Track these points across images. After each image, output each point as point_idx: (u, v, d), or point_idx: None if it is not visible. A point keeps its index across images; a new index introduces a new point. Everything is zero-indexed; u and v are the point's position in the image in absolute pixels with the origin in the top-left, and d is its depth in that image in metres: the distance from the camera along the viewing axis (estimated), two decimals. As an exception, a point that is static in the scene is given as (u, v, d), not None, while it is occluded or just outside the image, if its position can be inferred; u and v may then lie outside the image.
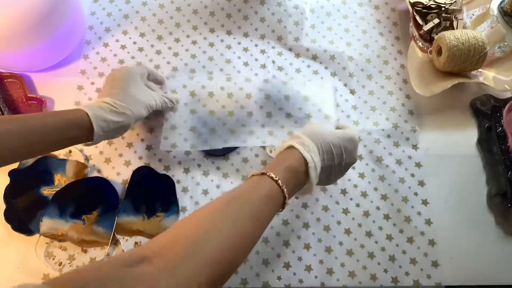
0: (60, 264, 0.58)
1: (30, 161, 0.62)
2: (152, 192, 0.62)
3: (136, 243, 0.59)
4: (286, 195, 0.46)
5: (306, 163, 0.48)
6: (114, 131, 0.54)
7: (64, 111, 0.51)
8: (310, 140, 0.50)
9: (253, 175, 0.47)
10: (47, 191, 0.60)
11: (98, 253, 0.59)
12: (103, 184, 0.61)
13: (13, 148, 0.46)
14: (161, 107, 0.61)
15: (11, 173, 0.60)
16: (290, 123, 0.67)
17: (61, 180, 0.61)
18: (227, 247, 0.38)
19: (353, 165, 0.66)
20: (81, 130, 0.50)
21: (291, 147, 0.50)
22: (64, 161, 0.62)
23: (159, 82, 0.65)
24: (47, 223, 0.57)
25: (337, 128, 0.58)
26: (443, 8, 0.74)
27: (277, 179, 0.45)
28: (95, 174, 0.63)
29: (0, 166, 0.47)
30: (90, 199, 0.60)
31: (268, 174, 0.46)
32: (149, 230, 0.60)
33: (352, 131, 0.55)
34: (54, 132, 0.48)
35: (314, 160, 0.49)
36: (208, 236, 0.38)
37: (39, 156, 0.61)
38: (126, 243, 0.58)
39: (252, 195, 0.44)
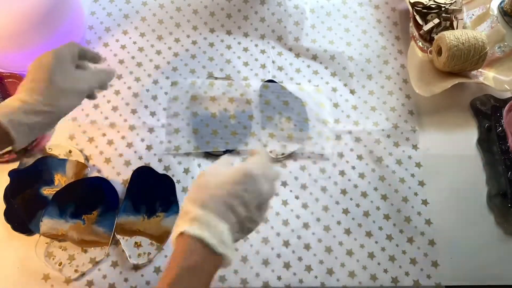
0: (60, 264, 0.58)
1: (30, 160, 0.62)
2: (152, 192, 0.62)
3: (136, 243, 0.59)
4: None
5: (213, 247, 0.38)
6: (41, 129, 0.48)
7: None
8: (202, 210, 0.39)
9: None
10: (47, 191, 0.60)
11: (98, 253, 0.59)
12: (103, 184, 0.61)
13: None
14: (99, 87, 0.53)
15: (11, 173, 0.60)
16: (290, 126, 0.68)
17: (61, 180, 0.61)
18: None
19: (353, 166, 0.66)
20: (1, 139, 0.44)
21: (181, 235, 0.38)
22: (64, 161, 0.62)
23: (94, 59, 0.55)
24: (47, 223, 0.57)
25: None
26: (443, 8, 0.74)
27: None
28: (95, 174, 0.63)
29: None
30: (90, 199, 0.60)
31: None
32: (149, 230, 0.60)
33: (246, 165, 0.43)
34: None
35: (218, 232, 0.38)
36: None
37: (40, 156, 0.61)
38: (126, 243, 0.58)
39: None
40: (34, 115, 0.45)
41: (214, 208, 0.40)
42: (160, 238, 0.59)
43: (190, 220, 0.39)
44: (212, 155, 0.66)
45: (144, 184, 0.62)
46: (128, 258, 0.57)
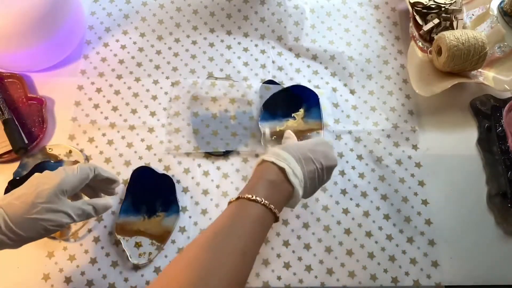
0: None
1: (30, 160, 0.62)
2: (152, 192, 0.62)
3: (136, 243, 0.59)
4: (276, 211, 0.44)
5: (285, 172, 0.46)
6: None
7: None
8: (283, 151, 0.48)
9: (234, 200, 0.45)
10: None
11: (98, 253, 0.59)
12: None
13: None
14: (78, 221, 0.47)
15: (11, 183, 0.60)
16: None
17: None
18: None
19: (353, 166, 0.66)
20: None
21: (263, 162, 0.48)
22: (60, 163, 0.62)
23: (109, 182, 0.52)
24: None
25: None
26: (443, 8, 0.74)
27: (260, 200, 0.43)
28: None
29: None
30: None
31: (251, 197, 0.43)
32: (149, 230, 0.60)
33: (321, 137, 0.54)
34: None
35: (292, 167, 0.47)
36: (200, 282, 0.36)
37: (38, 162, 0.61)
38: (127, 243, 0.58)
39: (238, 226, 0.42)
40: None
41: (293, 153, 0.49)
42: (161, 238, 0.59)
43: (271, 154, 0.48)
44: (212, 155, 0.66)
45: (144, 184, 0.62)
46: (129, 258, 0.57)
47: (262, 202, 0.43)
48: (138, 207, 0.61)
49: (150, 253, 0.59)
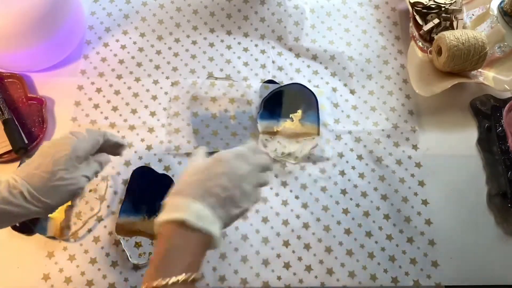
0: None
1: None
2: (152, 192, 0.62)
3: (136, 243, 0.59)
4: (196, 275, 0.39)
5: (186, 224, 0.39)
6: (14, 219, 0.46)
7: None
8: (175, 198, 0.42)
9: None
10: None
11: (98, 253, 0.59)
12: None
13: None
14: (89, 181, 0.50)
15: None
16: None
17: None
18: None
19: (353, 166, 0.66)
20: None
21: (161, 225, 0.40)
22: None
23: (116, 147, 0.54)
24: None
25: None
26: (443, 8, 0.74)
27: (180, 279, 0.37)
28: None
29: None
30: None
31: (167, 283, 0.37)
32: (149, 230, 0.60)
33: (219, 152, 0.46)
34: None
35: (194, 212, 0.40)
36: None
37: None
38: (127, 243, 0.58)
39: None
40: (17, 207, 0.43)
41: (188, 193, 0.41)
42: None
43: (165, 209, 0.42)
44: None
45: (144, 184, 0.62)
46: (129, 258, 0.57)
47: (183, 279, 0.37)
48: (138, 207, 0.61)
49: (150, 253, 0.59)
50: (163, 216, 0.41)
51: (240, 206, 0.44)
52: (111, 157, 0.53)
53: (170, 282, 0.37)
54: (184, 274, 0.38)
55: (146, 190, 0.62)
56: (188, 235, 0.40)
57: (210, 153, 0.64)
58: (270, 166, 0.48)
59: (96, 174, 0.50)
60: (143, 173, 0.62)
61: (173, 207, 0.41)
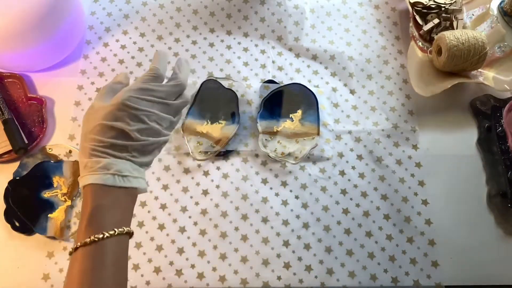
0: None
1: (30, 160, 0.62)
2: (217, 102, 0.68)
3: (198, 142, 0.65)
4: (129, 229, 0.39)
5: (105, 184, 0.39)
6: None
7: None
8: (87, 158, 0.40)
9: (80, 246, 0.37)
10: (48, 194, 0.60)
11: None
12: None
13: None
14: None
15: (10, 183, 0.60)
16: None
17: (59, 182, 0.61)
18: None
19: (353, 166, 0.66)
20: None
21: (89, 185, 0.39)
22: (60, 163, 0.62)
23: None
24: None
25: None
26: (443, 8, 0.74)
27: (113, 233, 0.37)
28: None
29: None
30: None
31: (102, 237, 0.37)
32: (211, 133, 0.65)
33: (120, 94, 0.42)
34: None
35: (118, 170, 0.39)
36: None
37: (38, 162, 0.62)
38: (189, 142, 0.65)
39: (103, 277, 0.36)
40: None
41: (98, 153, 0.40)
42: (219, 141, 0.65)
43: (85, 171, 0.40)
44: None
45: (211, 94, 0.68)
46: (191, 154, 0.64)
47: (114, 234, 0.37)
48: (203, 114, 0.67)
49: (208, 153, 0.64)
50: (82, 180, 0.40)
51: (160, 147, 0.44)
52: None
53: (105, 236, 0.37)
54: (116, 229, 0.38)
55: (212, 100, 0.68)
56: (111, 193, 0.39)
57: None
58: (182, 88, 0.46)
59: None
60: (211, 85, 0.69)
61: (88, 168, 0.39)
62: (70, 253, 0.38)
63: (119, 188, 0.40)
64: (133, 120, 0.41)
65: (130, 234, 0.40)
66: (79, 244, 0.37)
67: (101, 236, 0.37)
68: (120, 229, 0.38)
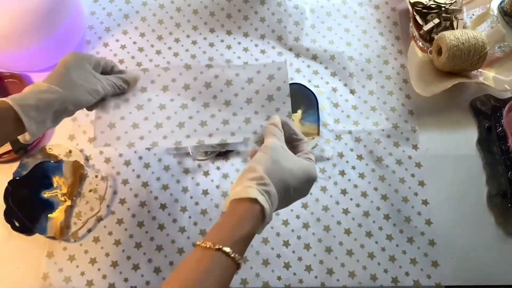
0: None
1: (30, 161, 0.62)
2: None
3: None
4: (241, 263, 0.39)
5: (263, 218, 0.41)
6: (52, 117, 0.48)
7: None
8: (273, 186, 0.42)
9: (203, 246, 0.38)
10: (48, 194, 0.60)
11: (98, 253, 0.59)
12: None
13: None
14: (112, 92, 0.54)
15: (10, 182, 0.60)
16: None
17: (59, 182, 0.61)
18: None
19: (353, 166, 0.66)
20: (13, 125, 0.45)
21: (254, 201, 0.41)
22: (60, 163, 0.62)
23: (113, 71, 0.57)
24: None
25: (289, 139, 0.50)
26: (443, 8, 0.74)
27: (234, 256, 0.38)
28: (93, 173, 0.63)
29: None
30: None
31: (223, 249, 0.38)
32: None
33: (312, 167, 0.47)
34: None
35: (272, 204, 0.42)
36: None
37: (38, 162, 0.61)
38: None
39: (206, 281, 0.37)
40: (41, 94, 0.47)
41: (279, 191, 0.43)
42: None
43: (263, 187, 0.42)
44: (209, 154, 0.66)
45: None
46: (191, 154, 0.63)
47: (235, 258, 0.38)
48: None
49: (206, 152, 0.64)
50: (255, 193, 0.41)
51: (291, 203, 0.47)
52: (139, 73, 0.57)
53: (236, 258, 0.38)
54: (235, 254, 0.38)
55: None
56: (260, 224, 0.41)
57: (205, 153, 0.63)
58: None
59: (119, 89, 0.54)
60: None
61: (266, 192, 0.41)
62: (207, 247, 0.38)
63: (262, 223, 0.42)
64: (301, 189, 0.47)
65: (238, 267, 0.40)
66: (221, 246, 0.38)
67: (232, 253, 0.38)
68: (241, 261, 0.39)
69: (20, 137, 0.47)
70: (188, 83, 0.57)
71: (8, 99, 0.45)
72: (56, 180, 0.61)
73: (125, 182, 0.63)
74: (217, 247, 0.38)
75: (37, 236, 0.59)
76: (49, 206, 0.60)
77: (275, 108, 0.56)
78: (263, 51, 0.74)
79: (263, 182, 0.42)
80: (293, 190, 0.44)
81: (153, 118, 0.55)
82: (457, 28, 0.74)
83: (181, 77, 0.58)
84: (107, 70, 0.56)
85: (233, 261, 0.38)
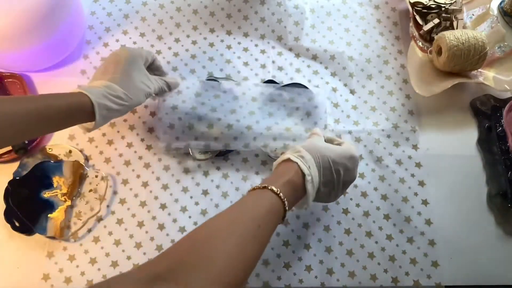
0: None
1: (30, 160, 0.62)
2: (217, 103, 0.66)
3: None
4: (287, 208, 0.46)
5: (304, 176, 0.48)
6: (113, 117, 0.55)
7: (67, 94, 0.50)
8: (309, 154, 0.50)
9: (254, 189, 0.47)
10: (48, 194, 0.60)
11: (98, 253, 0.59)
12: None
13: (17, 129, 0.46)
14: (158, 93, 0.61)
15: (10, 183, 0.60)
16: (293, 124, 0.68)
17: (59, 182, 0.61)
18: (236, 265, 0.39)
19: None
20: (83, 115, 0.51)
21: (289, 160, 0.50)
22: (60, 163, 0.62)
23: (161, 73, 0.64)
24: None
25: (329, 140, 0.58)
26: (443, 8, 0.74)
27: (278, 193, 0.46)
28: (93, 173, 0.63)
29: (2, 146, 0.47)
30: None
31: (269, 187, 0.46)
32: (211, 133, 0.64)
33: (351, 148, 0.54)
34: (58, 116, 0.49)
35: (312, 174, 0.49)
36: (217, 255, 0.38)
37: (38, 162, 0.61)
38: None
39: (255, 211, 0.44)
40: (117, 104, 0.52)
41: (316, 158, 0.50)
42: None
43: (299, 156, 0.50)
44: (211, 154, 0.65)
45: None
46: (191, 154, 0.64)
47: (280, 196, 0.46)
48: (203, 113, 0.66)
49: (208, 153, 0.64)
50: (295, 157, 0.49)
51: (334, 199, 0.54)
52: (179, 80, 0.65)
53: (272, 189, 0.46)
54: (280, 192, 0.46)
55: (211, 100, 0.67)
56: (300, 182, 0.48)
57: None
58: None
59: (162, 91, 0.61)
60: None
61: (304, 159, 0.49)
62: (255, 188, 0.47)
63: (303, 188, 0.49)
64: (349, 169, 0.54)
65: (284, 215, 0.47)
66: (255, 187, 0.47)
67: (276, 189, 0.46)
68: (286, 201, 0.46)
69: (81, 125, 0.53)
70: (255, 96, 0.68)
71: (88, 94, 0.50)
72: (56, 180, 0.61)
73: (125, 182, 0.63)
74: (264, 185, 0.46)
75: (37, 236, 0.59)
76: (49, 206, 0.60)
77: (313, 122, 0.68)
78: (263, 51, 0.74)
79: (297, 150, 0.51)
80: (332, 162, 0.50)
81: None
82: (457, 28, 0.74)
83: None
84: (149, 64, 0.60)
85: (279, 199, 0.45)
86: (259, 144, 0.64)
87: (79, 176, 0.62)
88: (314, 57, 0.74)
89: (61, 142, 0.64)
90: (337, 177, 0.51)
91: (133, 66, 0.55)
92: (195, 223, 0.62)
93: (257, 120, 0.66)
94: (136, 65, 0.56)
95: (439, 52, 0.69)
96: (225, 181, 0.64)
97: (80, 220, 0.60)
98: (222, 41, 0.74)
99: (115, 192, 0.63)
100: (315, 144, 0.52)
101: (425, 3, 0.74)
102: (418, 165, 0.68)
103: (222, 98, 0.67)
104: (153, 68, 0.62)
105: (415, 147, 0.69)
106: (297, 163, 0.49)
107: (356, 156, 0.54)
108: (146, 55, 0.58)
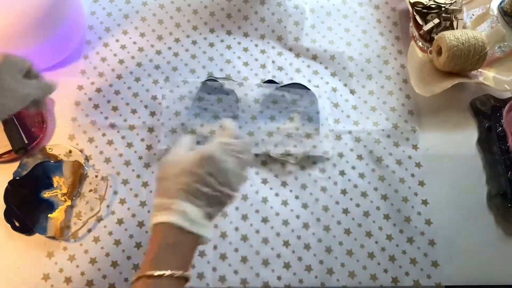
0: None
1: (30, 160, 0.62)
2: (217, 103, 0.67)
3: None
4: (187, 274, 0.41)
5: (181, 227, 0.41)
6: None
7: None
8: (167, 199, 0.42)
9: (140, 278, 0.41)
10: (48, 194, 0.60)
11: (98, 253, 0.59)
12: None
13: None
14: (42, 96, 0.56)
15: (10, 183, 0.60)
16: (292, 124, 0.68)
17: (60, 182, 0.61)
18: None
19: (353, 166, 0.66)
20: None
21: (155, 226, 0.42)
22: (60, 163, 0.62)
23: (34, 75, 0.58)
24: None
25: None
26: (443, 8, 0.74)
27: (171, 274, 0.39)
28: (93, 173, 0.63)
29: None
30: None
31: (161, 274, 0.39)
32: (210, 133, 0.64)
33: (207, 149, 0.44)
34: None
35: (188, 214, 0.41)
36: None
37: (38, 162, 0.61)
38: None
39: None
40: None
41: (179, 196, 0.42)
42: None
43: (161, 210, 0.42)
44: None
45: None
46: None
47: (175, 275, 0.40)
48: (203, 113, 0.66)
49: None
50: (157, 218, 0.42)
51: (229, 196, 0.45)
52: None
53: (166, 274, 0.39)
54: (177, 272, 0.40)
55: (211, 99, 0.67)
56: (183, 236, 0.42)
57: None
58: (250, 151, 0.50)
59: (45, 95, 0.56)
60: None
61: (165, 209, 0.42)
62: (133, 282, 0.41)
63: (187, 233, 0.41)
64: (216, 170, 0.43)
65: (187, 280, 0.41)
66: (142, 275, 0.40)
67: (163, 273, 0.39)
68: (181, 273, 0.40)
69: None
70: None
71: None
72: (56, 180, 0.61)
73: (125, 182, 0.63)
74: (147, 273, 0.40)
75: (37, 236, 0.59)
76: (49, 206, 0.60)
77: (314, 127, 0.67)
78: (263, 51, 0.74)
79: (160, 206, 0.43)
80: (196, 180, 0.43)
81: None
82: (457, 28, 0.74)
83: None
84: (26, 72, 0.55)
85: (172, 278, 0.40)
86: (260, 150, 0.64)
87: (79, 176, 0.62)
88: (314, 57, 0.74)
89: (61, 142, 0.64)
90: (211, 189, 0.43)
91: (5, 70, 0.51)
92: (195, 223, 0.61)
93: (259, 127, 0.66)
94: (8, 70, 0.52)
95: (439, 52, 0.69)
96: (225, 181, 0.64)
97: (80, 220, 0.60)
98: (222, 41, 0.74)
99: (115, 192, 0.63)
100: (164, 179, 0.44)
101: (425, 3, 0.74)
102: (418, 165, 0.68)
103: (225, 102, 0.67)
104: (31, 76, 0.57)
105: (415, 147, 0.69)
106: (171, 223, 0.41)
107: (211, 155, 0.43)
108: (21, 61, 0.54)
